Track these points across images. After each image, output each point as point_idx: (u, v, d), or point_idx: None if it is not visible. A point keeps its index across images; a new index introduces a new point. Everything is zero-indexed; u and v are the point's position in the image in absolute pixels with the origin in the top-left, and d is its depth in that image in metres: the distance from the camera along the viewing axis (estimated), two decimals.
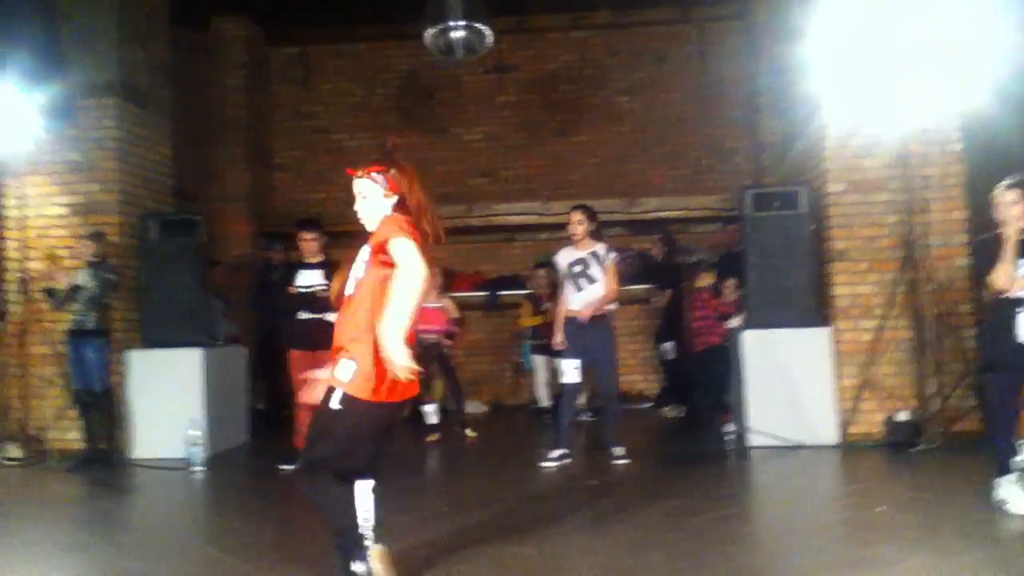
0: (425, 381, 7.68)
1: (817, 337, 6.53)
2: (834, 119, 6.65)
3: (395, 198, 3.19)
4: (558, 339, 6.17)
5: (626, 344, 10.18)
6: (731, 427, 6.61)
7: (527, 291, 9.47)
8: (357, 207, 3.24)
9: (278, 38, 10.86)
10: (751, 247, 6.71)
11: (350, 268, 3.24)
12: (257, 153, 10.58)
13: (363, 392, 3.00)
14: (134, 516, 5.36)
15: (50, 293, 6.57)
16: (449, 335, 7.93)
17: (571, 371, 6.12)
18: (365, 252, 3.17)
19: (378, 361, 2.98)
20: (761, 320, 6.60)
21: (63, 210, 7.23)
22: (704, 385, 7.42)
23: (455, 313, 7.96)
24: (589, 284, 6.09)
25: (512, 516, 4.61)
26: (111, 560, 4.07)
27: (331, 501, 3.11)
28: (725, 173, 10.30)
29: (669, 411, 8.69)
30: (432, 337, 7.68)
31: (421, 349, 7.63)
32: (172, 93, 8.19)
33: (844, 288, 6.65)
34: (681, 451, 6.66)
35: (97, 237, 6.67)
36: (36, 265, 6.92)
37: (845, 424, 6.46)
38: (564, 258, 6.22)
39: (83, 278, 6.54)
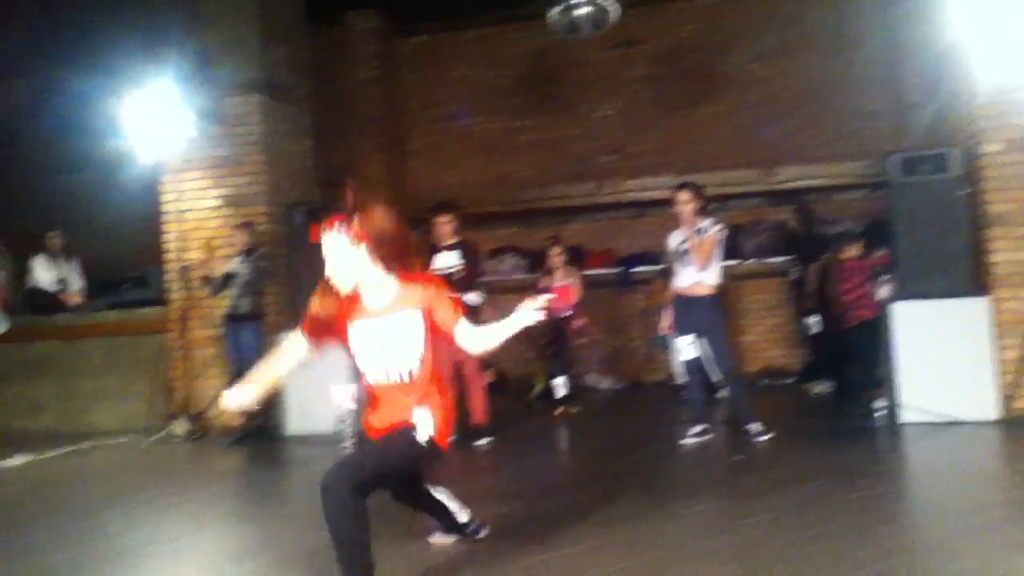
0: (550, 356, 7.78)
1: (974, 307, 6.16)
2: (987, 73, 6.23)
3: (363, 245, 3.03)
4: (664, 323, 6.15)
5: (764, 319, 9.94)
6: (882, 403, 6.35)
7: (660, 267, 9.36)
8: (328, 268, 3.06)
9: (407, 28, 11.09)
10: (899, 215, 6.38)
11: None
12: (392, 141, 10.89)
13: (442, 441, 3.12)
14: (292, 488, 5.66)
15: (207, 281, 6.99)
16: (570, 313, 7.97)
17: (686, 347, 6.05)
18: (400, 317, 3.08)
19: (448, 414, 3.13)
20: (912, 291, 6.27)
21: (216, 202, 7.69)
22: (857, 360, 7.12)
23: (579, 292, 8.00)
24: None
25: (651, 492, 4.60)
26: (275, 530, 4.33)
27: (356, 519, 3.06)
28: (867, 137, 9.80)
29: (815, 387, 8.41)
30: (559, 313, 7.78)
31: (547, 324, 7.75)
32: (311, 87, 8.53)
33: (1003, 255, 6.25)
34: (828, 428, 6.44)
35: (248, 227, 7.04)
36: (194, 255, 7.37)
37: (1006, 399, 6.09)
38: (675, 238, 6.12)
39: (236, 266, 6.92)
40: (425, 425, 3.04)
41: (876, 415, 6.31)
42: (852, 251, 7.11)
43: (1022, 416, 6.04)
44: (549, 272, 8.14)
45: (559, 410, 7.75)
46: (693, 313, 5.95)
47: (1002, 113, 6.26)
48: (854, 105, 9.92)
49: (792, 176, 9.36)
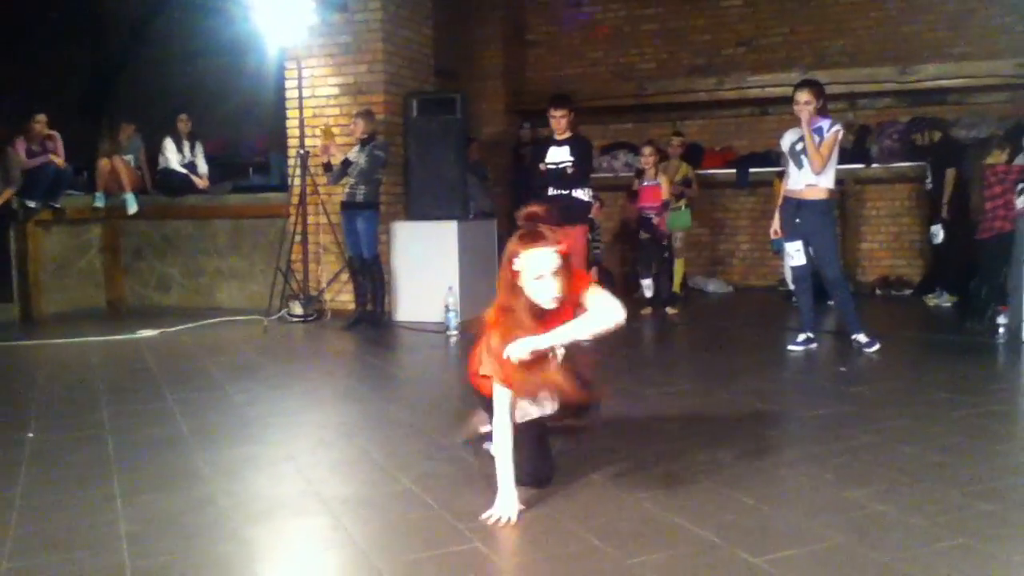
0: (648, 254, 7.72)
1: None
2: None
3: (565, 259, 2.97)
4: (775, 225, 5.91)
5: (887, 226, 9.52)
6: (1004, 319, 6.05)
7: (779, 169, 9.04)
8: (545, 288, 2.91)
9: None
10: None
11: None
12: (512, 30, 10.70)
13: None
14: (399, 372, 5.90)
15: (327, 168, 7.16)
16: (662, 211, 7.84)
17: (794, 253, 5.85)
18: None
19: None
20: None
21: (335, 90, 7.80)
22: (986, 273, 6.75)
23: (667, 193, 7.83)
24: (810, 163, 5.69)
25: (755, 398, 4.57)
26: (380, 409, 4.54)
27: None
28: (1019, 33, 9.04)
29: (932, 299, 8.07)
30: (650, 213, 7.69)
31: (642, 224, 7.67)
32: None
33: None
34: (946, 341, 6.21)
35: (367, 115, 7.12)
36: (313, 142, 7.54)
37: None
38: (788, 138, 5.83)
39: (354, 154, 7.05)
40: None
41: (999, 331, 6.03)
42: (1001, 156, 6.64)
43: None
44: (640, 173, 7.98)
45: (646, 310, 7.73)
46: (802, 216, 5.74)
47: None
48: None
49: (931, 75, 8.75)
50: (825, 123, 5.66)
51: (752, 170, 9.54)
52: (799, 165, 5.74)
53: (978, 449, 3.54)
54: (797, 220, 5.77)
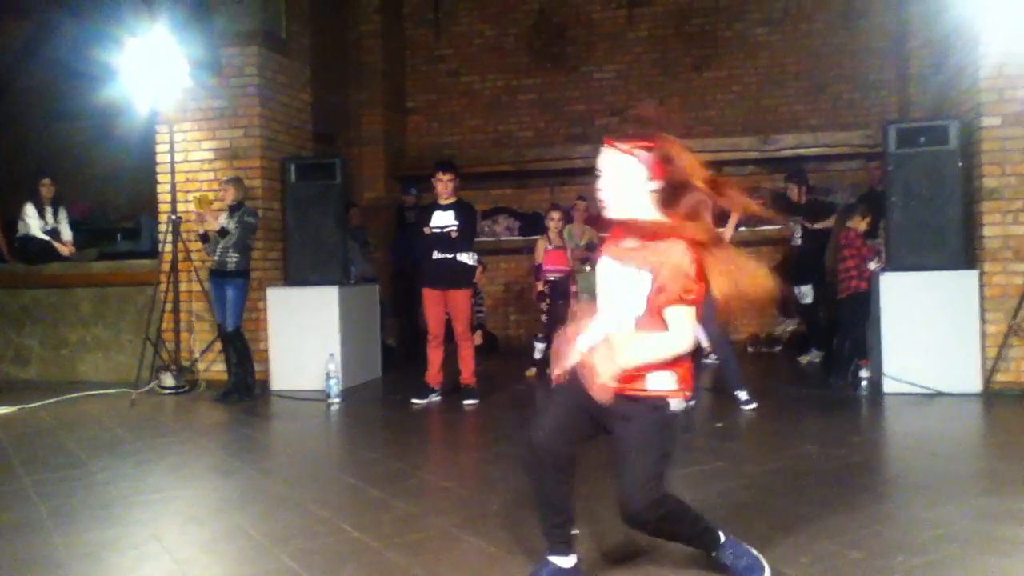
0: (554, 318, 7.80)
1: (962, 280, 6.19)
2: (991, 47, 6.18)
3: (657, 185, 2.61)
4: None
5: None
6: (866, 372, 6.39)
7: None
8: (602, 184, 2.67)
9: None
10: (894, 186, 6.39)
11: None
12: (391, 97, 10.80)
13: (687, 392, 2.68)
14: (276, 443, 5.70)
15: (204, 238, 6.95)
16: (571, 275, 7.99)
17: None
18: (630, 261, 2.60)
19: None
20: (903, 262, 6.30)
21: (209, 155, 7.64)
22: (846, 329, 7.13)
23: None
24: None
25: None
26: (256, 482, 4.36)
27: (682, 518, 2.67)
28: (869, 107, 9.79)
29: (806, 358, 8.43)
30: (557, 276, 7.81)
31: (549, 287, 7.77)
32: (311, 40, 8.44)
33: (995, 229, 6.25)
34: (812, 396, 6.49)
35: (236, 182, 6.99)
36: (185, 207, 7.33)
37: (990, 372, 6.13)
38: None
39: (225, 220, 6.88)
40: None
41: (860, 384, 6.35)
42: (860, 223, 7.07)
43: (1004, 390, 6.09)
44: (546, 236, 8.10)
45: (531, 371, 7.81)
46: None
47: (1004, 88, 6.22)
48: (857, 75, 9.86)
49: (790, 144, 9.31)
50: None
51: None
52: None
53: (845, 499, 3.69)
54: None
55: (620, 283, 2.63)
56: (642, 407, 2.58)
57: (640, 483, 2.52)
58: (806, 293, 8.38)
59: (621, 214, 2.67)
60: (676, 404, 2.63)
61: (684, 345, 2.56)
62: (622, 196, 2.64)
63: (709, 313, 6.01)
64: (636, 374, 2.56)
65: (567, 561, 2.75)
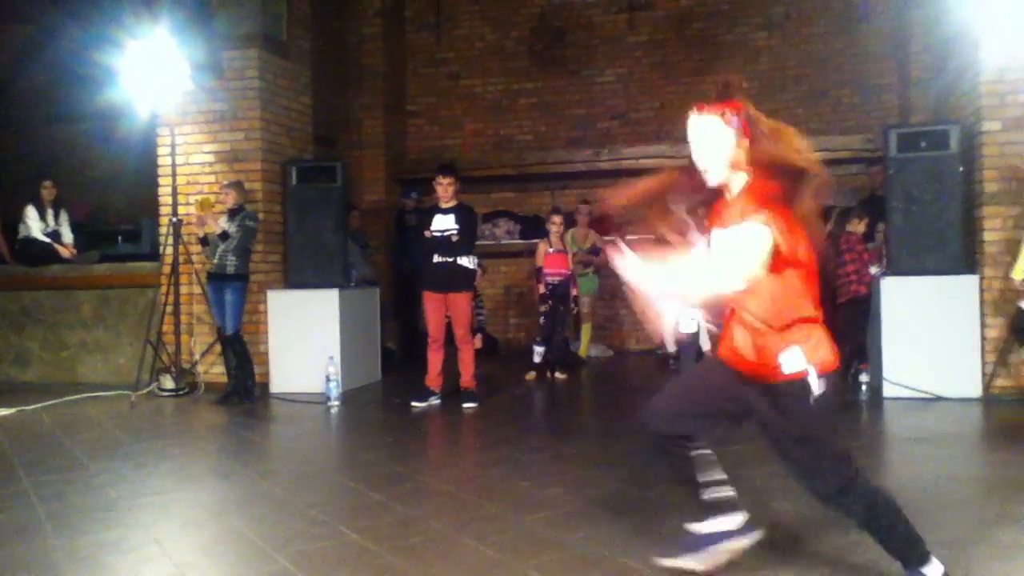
0: (554, 322, 7.81)
1: (963, 285, 6.19)
2: (992, 51, 6.18)
3: (746, 143, 2.62)
4: None
5: None
6: (865, 376, 6.38)
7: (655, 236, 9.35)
8: (697, 151, 2.69)
9: None
10: (894, 190, 6.39)
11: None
12: (392, 100, 10.81)
13: (830, 364, 2.60)
14: (275, 446, 5.70)
15: (204, 241, 6.95)
16: (572, 279, 8.02)
17: (690, 321, 6.01)
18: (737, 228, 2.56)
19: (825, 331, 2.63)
20: (903, 267, 6.30)
21: (210, 157, 7.64)
22: (846, 334, 7.14)
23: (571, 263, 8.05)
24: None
25: (634, 460, 4.63)
26: (255, 485, 4.36)
27: (882, 512, 2.64)
28: (870, 112, 9.77)
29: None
30: (558, 279, 7.81)
31: (550, 290, 7.78)
32: (312, 43, 8.45)
33: (995, 234, 6.26)
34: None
35: (237, 186, 6.99)
36: (186, 209, 7.33)
37: (989, 377, 6.13)
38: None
39: (225, 223, 6.88)
40: (798, 361, 2.55)
41: (862, 389, 6.35)
42: (859, 226, 7.08)
43: (1003, 394, 6.09)
44: (547, 239, 8.08)
45: (531, 375, 7.82)
46: None
47: (1005, 92, 6.23)
48: (858, 79, 9.86)
49: None
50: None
51: (629, 238, 9.80)
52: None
53: None
54: None
55: (725, 245, 2.61)
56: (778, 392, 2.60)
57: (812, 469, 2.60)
58: None
59: (721, 177, 2.67)
60: (815, 383, 2.54)
61: (736, 276, 2.51)
62: (720, 158, 2.65)
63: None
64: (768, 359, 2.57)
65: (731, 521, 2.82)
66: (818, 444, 2.61)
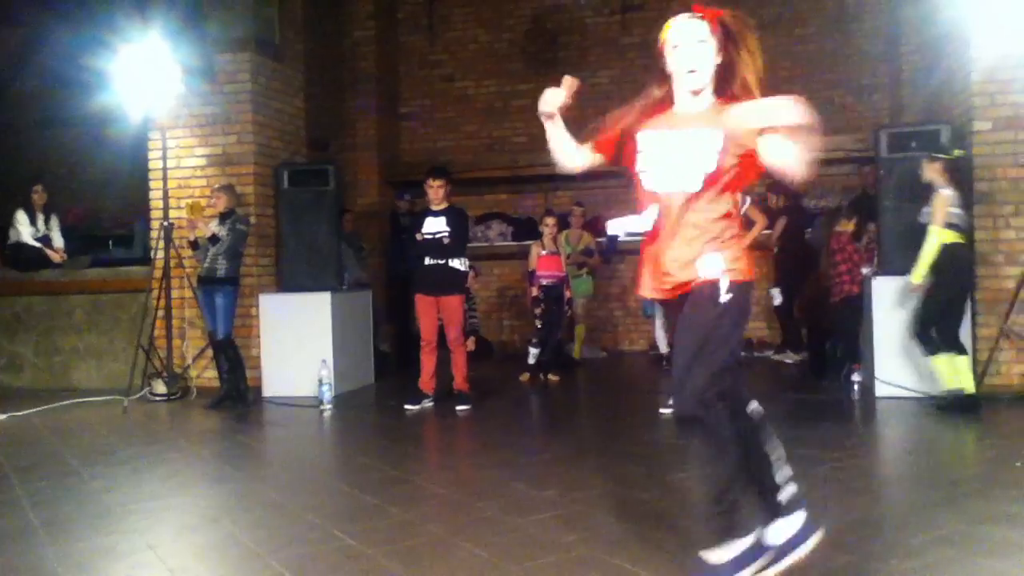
0: (548, 324, 7.81)
1: None
2: (982, 51, 6.21)
3: (719, 59, 2.68)
4: None
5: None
6: (858, 376, 6.40)
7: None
8: (688, 57, 2.70)
9: None
10: (886, 190, 6.41)
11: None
12: (386, 103, 10.81)
13: (744, 274, 2.61)
14: (268, 450, 5.69)
15: (194, 245, 6.94)
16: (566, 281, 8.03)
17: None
18: (707, 132, 2.60)
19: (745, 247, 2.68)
20: (895, 267, 6.32)
21: (202, 161, 7.64)
22: (839, 334, 7.17)
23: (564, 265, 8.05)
24: None
25: (629, 461, 4.64)
26: (249, 490, 4.36)
27: (735, 439, 2.63)
28: (862, 111, 9.80)
29: (775, 356, 8.60)
30: (551, 281, 7.82)
31: (543, 292, 7.78)
32: (305, 46, 8.44)
33: (986, 233, 6.28)
34: (804, 400, 6.50)
35: (228, 190, 6.98)
36: (178, 213, 7.32)
37: (981, 376, 6.14)
38: None
39: (216, 227, 6.87)
40: (715, 266, 2.58)
41: (854, 388, 6.37)
42: (848, 226, 7.11)
43: (995, 393, 6.11)
44: (540, 241, 8.07)
45: (524, 376, 7.83)
46: None
47: (996, 92, 6.25)
48: (850, 79, 9.88)
49: None
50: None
51: (622, 239, 9.82)
52: None
53: (837, 503, 3.68)
54: None
55: (683, 146, 2.64)
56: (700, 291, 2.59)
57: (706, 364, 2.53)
58: (775, 295, 8.46)
59: (701, 84, 2.70)
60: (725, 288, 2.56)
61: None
62: (705, 64, 2.68)
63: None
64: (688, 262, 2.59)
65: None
66: (708, 347, 2.55)
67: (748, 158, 2.57)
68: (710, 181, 2.59)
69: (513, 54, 10.93)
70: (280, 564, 3.12)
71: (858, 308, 6.71)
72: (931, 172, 5.77)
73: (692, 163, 2.61)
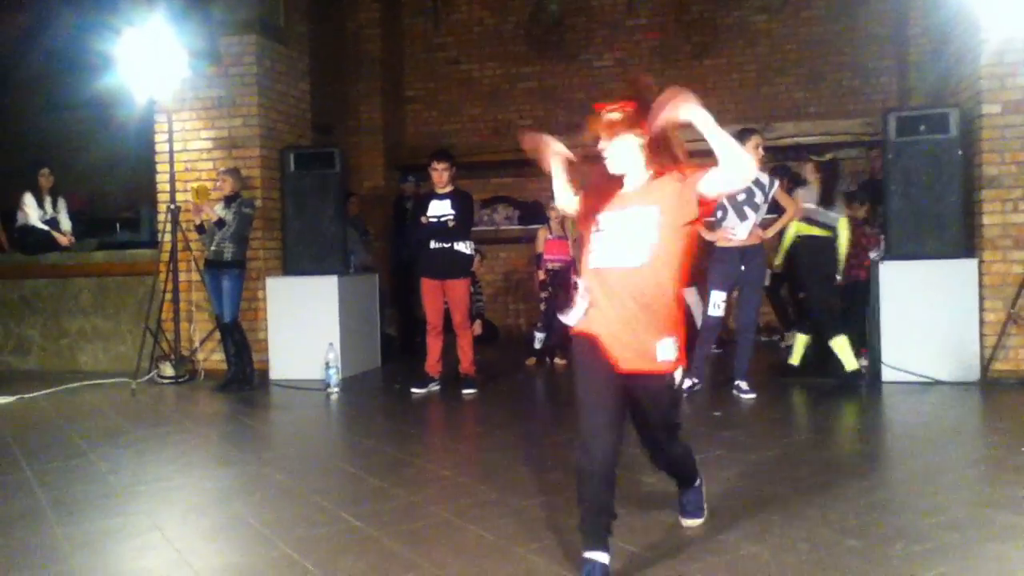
0: (551, 308, 7.80)
1: (962, 269, 6.18)
2: (991, 34, 6.15)
3: (645, 139, 2.82)
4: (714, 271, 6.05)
5: None
6: (865, 361, 6.39)
7: None
8: (613, 159, 2.86)
9: None
10: (894, 174, 6.37)
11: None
12: (390, 86, 10.78)
13: (683, 359, 2.89)
14: (276, 433, 5.71)
15: (200, 229, 6.94)
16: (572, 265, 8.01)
17: (721, 303, 6.01)
18: (646, 209, 2.77)
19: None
20: (902, 251, 6.30)
21: (208, 144, 7.63)
22: (846, 319, 7.15)
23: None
24: (754, 212, 5.91)
25: (632, 445, 4.64)
26: (256, 472, 4.38)
27: (690, 457, 3.18)
28: (869, 95, 9.76)
29: (783, 342, 8.60)
30: (558, 265, 7.80)
31: (550, 276, 7.77)
32: (310, 29, 8.41)
33: (994, 217, 6.24)
34: (811, 384, 6.50)
35: (234, 173, 6.97)
36: (185, 196, 7.32)
37: (988, 361, 6.13)
38: None
39: (222, 211, 6.87)
40: (672, 352, 2.79)
41: (860, 373, 6.36)
42: (860, 211, 7.07)
43: (1002, 378, 6.10)
44: (547, 225, 8.04)
45: (531, 360, 7.86)
46: (748, 263, 5.92)
47: (1005, 75, 6.20)
48: (857, 62, 9.83)
49: (790, 132, 9.28)
50: (764, 176, 5.93)
51: None
52: (742, 216, 5.91)
53: (843, 487, 3.70)
54: (743, 268, 5.94)
55: (628, 225, 2.78)
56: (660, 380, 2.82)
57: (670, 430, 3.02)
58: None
59: (622, 170, 2.86)
60: (679, 375, 2.88)
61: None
62: (623, 153, 2.84)
63: (750, 299, 6.05)
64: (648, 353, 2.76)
65: (606, 557, 2.69)
66: (674, 427, 3.04)
67: (688, 229, 2.78)
68: (655, 257, 2.72)
69: (518, 37, 10.88)
70: (286, 545, 3.14)
71: (864, 292, 6.69)
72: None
73: (636, 239, 2.75)
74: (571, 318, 2.84)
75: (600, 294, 2.78)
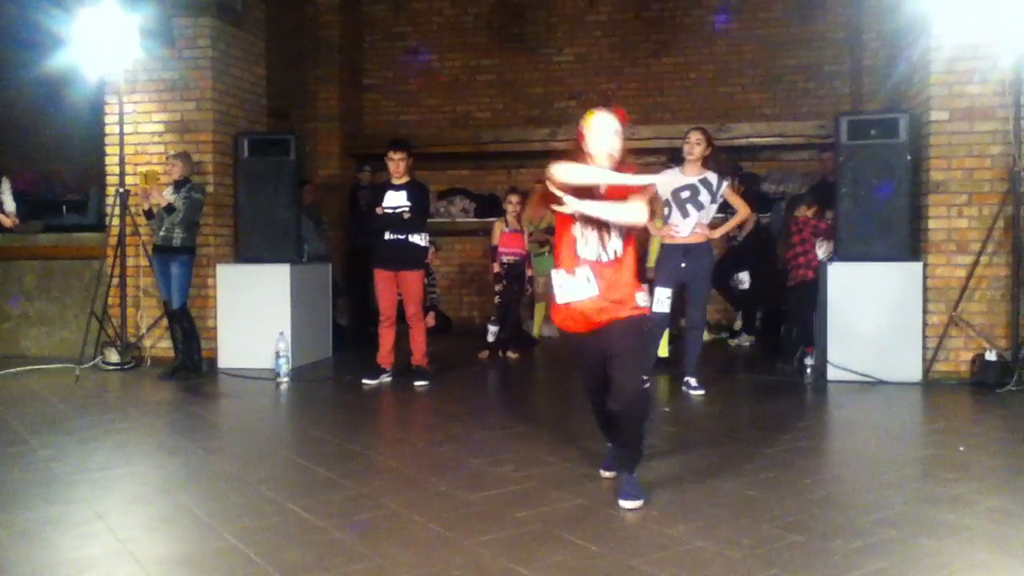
0: (508, 301, 7.82)
1: (907, 272, 6.32)
2: (943, 41, 6.28)
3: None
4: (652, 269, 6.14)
5: None
6: (811, 359, 6.51)
7: None
8: (608, 146, 3.55)
9: None
10: (844, 177, 6.48)
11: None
12: (348, 74, 10.68)
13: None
14: (223, 422, 5.64)
15: (149, 215, 6.82)
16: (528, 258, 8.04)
17: (664, 300, 6.04)
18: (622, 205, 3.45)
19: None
20: (850, 252, 6.42)
21: (160, 128, 7.49)
22: (794, 317, 7.28)
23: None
24: (697, 211, 5.95)
25: (584, 438, 4.68)
26: (202, 461, 4.32)
27: (643, 420, 3.59)
28: (823, 98, 9.92)
29: (734, 341, 8.72)
30: (513, 259, 7.81)
31: (505, 269, 7.78)
32: (266, 13, 8.29)
33: (939, 222, 6.39)
34: (757, 382, 6.60)
35: (184, 157, 6.86)
36: (133, 180, 7.18)
37: (930, 362, 6.29)
38: (669, 182, 6.02)
39: (170, 195, 6.76)
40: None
41: (807, 372, 6.48)
42: (808, 211, 7.20)
43: (943, 379, 6.25)
44: (503, 218, 8.03)
45: (484, 353, 7.86)
46: (691, 261, 5.94)
47: (954, 83, 6.33)
48: (812, 65, 9.98)
49: (745, 133, 9.40)
50: (713, 176, 5.96)
51: None
52: (684, 213, 5.95)
53: (788, 484, 3.77)
54: (683, 265, 5.96)
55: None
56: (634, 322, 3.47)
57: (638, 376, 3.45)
58: (743, 280, 8.54)
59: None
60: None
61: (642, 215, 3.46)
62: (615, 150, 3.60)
63: (697, 296, 6.10)
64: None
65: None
66: (644, 356, 3.70)
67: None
68: (626, 243, 3.50)
69: (479, 28, 10.86)
70: (232, 536, 3.10)
71: (813, 292, 6.81)
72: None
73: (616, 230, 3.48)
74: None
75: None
